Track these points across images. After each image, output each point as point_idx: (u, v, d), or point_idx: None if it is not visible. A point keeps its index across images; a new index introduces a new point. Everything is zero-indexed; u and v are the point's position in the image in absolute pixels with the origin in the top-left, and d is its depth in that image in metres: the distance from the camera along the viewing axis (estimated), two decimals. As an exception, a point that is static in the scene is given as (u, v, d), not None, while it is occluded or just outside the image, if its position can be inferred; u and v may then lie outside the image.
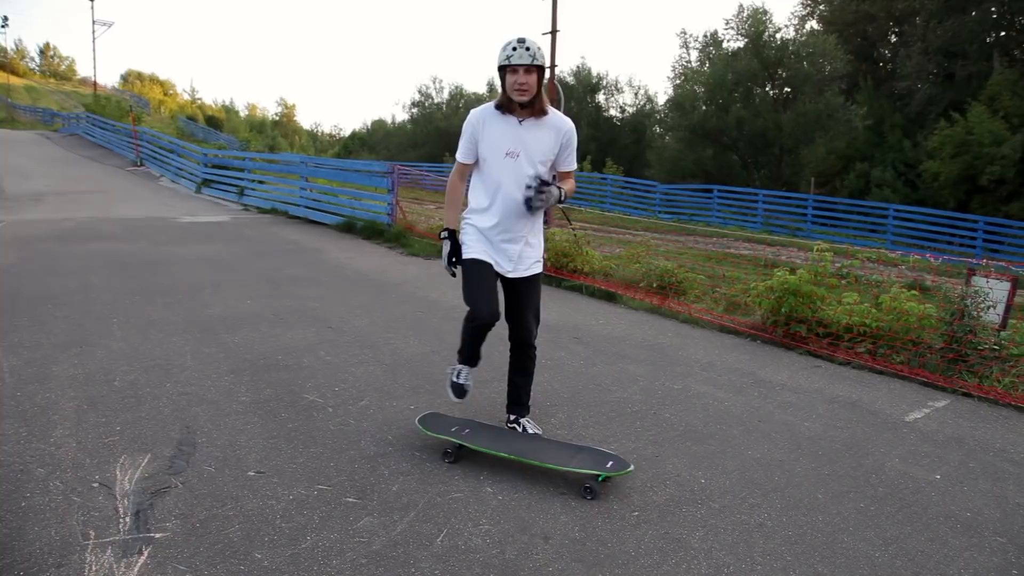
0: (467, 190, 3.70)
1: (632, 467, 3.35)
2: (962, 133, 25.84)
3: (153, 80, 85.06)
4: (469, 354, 3.74)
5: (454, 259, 3.59)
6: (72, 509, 2.92)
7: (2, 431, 3.62)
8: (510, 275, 3.59)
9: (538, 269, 3.68)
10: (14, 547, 2.64)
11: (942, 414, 4.59)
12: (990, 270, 5.68)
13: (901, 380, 5.24)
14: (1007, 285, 5.49)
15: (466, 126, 3.51)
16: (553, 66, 21.93)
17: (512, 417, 3.85)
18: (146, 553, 2.65)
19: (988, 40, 30.34)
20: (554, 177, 3.53)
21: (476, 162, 3.56)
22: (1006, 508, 3.37)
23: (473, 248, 3.56)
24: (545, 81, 3.46)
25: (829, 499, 3.35)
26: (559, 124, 3.50)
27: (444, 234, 3.64)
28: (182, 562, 2.61)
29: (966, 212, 23.77)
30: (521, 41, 3.32)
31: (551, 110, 3.49)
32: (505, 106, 3.43)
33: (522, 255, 3.58)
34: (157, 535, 2.77)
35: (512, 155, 3.43)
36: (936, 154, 26.90)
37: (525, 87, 3.34)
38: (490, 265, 3.52)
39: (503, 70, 3.36)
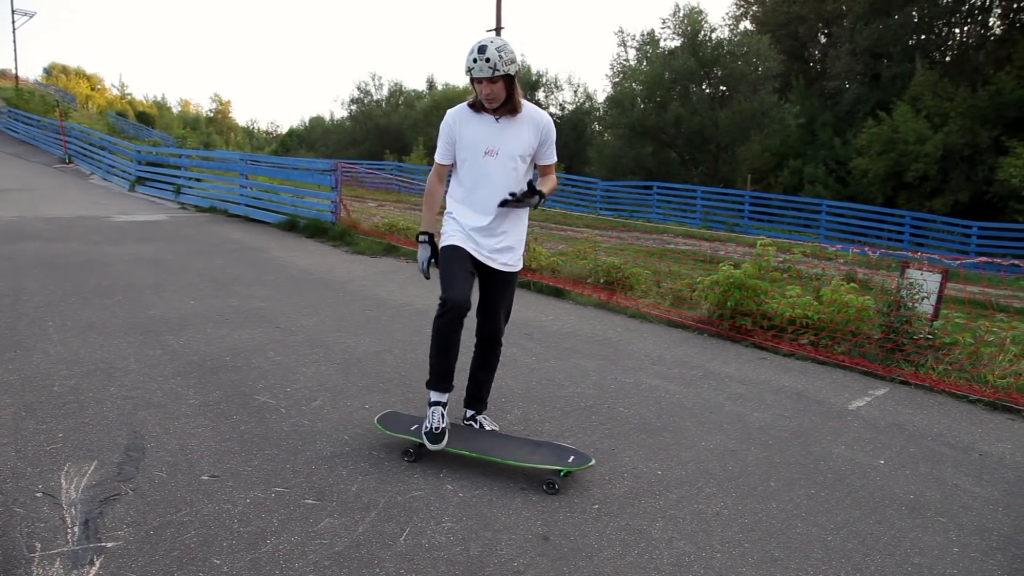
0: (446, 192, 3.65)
1: (593, 461, 3.38)
2: (888, 131, 26.87)
3: (79, 74, 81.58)
4: (441, 369, 3.45)
5: (432, 261, 3.52)
6: (15, 521, 2.79)
7: (-66, 441, 3.45)
8: (489, 264, 3.51)
9: (518, 267, 3.65)
10: (-45, 562, 2.52)
11: (883, 402, 4.77)
12: (923, 263, 5.91)
13: (843, 370, 5.42)
14: (939, 277, 5.73)
15: (443, 127, 3.48)
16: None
17: (470, 413, 3.84)
18: (98, 563, 2.55)
19: (911, 43, 31.59)
20: (534, 178, 3.54)
21: (454, 163, 3.52)
22: (945, 490, 3.52)
23: (453, 237, 3.49)
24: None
25: (781, 486, 3.44)
26: (537, 119, 3.47)
27: (423, 238, 3.53)
28: (136, 571, 2.52)
29: (893, 207, 24.74)
30: (481, 51, 3.20)
31: (526, 105, 3.45)
32: (479, 105, 3.41)
33: (503, 250, 3.54)
34: (109, 544, 2.67)
35: (491, 153, 3.40)
36: (864, 151, 27.91)
37: (491, 97, 3.30)
38: (467, 252, 3.46)
39: (470, 78, 3.31)
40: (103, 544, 2.67)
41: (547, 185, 3.55)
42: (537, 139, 3.47)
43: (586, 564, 2.71)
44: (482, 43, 3.23)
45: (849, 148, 29.53)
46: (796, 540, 2.97)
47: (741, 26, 36.08)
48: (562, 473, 3.30)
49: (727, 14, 49.11)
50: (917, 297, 5.62)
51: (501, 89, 3.30)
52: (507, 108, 3.39)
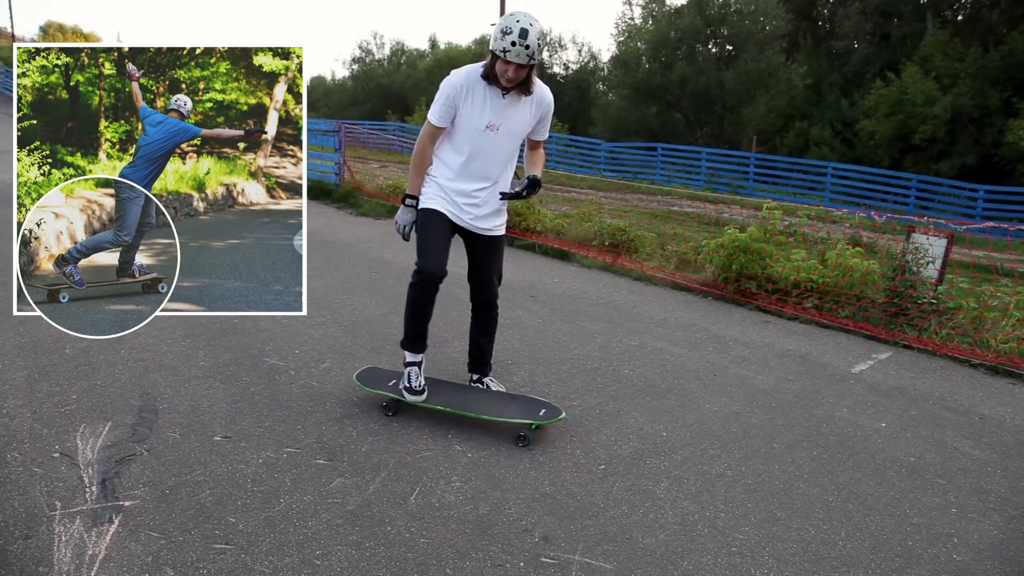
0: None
1: (564, 414, 3.45)
2: (896, 93, 26.49)
3: (76, 33, 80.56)
4: (415, 332, 3.53)
5: (415, 224, 3.48)
6: (34, 480, 2.86)
7: (-50, 402, 3.50)
8: (473, 230, 3.50)
9: (502, 230, 3.63)
10: (-23, 519, 2.58)
11: (885, 365, 4.81)
12: (929, 227, 5.91)
13: (846, 333, 5.46)
14: (944, 242, 5.73)
15: (447, 88, 3.31)
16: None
17: (475, 377, 3.88)
18: (117, 521, 2.62)
19: (922, 1, 31.00)
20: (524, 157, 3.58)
21: (448, 127, 3.42)
22: (945, 452, 3.58)
23: (433, 200, 3.44)
24: None
25: (784, 448, 3.50)
26: (540, 97, 3.39)
27: (409, 201, 3.47)
28: (155, 529, 2.59)
29: (899, 170, 24.53)
30: (523, 35, 3.03)
31: (536, 83, 3.34)
32: (492, 78, 3.25)
33: (487, 215, 3.50)
34: (126, 503, 2.74)
35: (492, 128, 3.33)
36: (872, 113, 27.55)
37: (513, 79, 3.19)
38: (445, 216, 3.43)
39: (495, 55, 3.14)
40: (121, 503, 2.74)
41: (538, 164, 3.56)
42: (537, 117, 3.43)
43: (593, 523, 2.77)
44: (523, 26, 3.05)
45: (856, 110, 29.13)
46: (798, 500, 3.03)
47: (749, -17, 35.39)
48: (533, 427, 3.37)
49: (735, -29, 48.04)
50: (922, 262, 5.63)
51: (525, 74, 3.20)
52: (521, 88, 3.30)
